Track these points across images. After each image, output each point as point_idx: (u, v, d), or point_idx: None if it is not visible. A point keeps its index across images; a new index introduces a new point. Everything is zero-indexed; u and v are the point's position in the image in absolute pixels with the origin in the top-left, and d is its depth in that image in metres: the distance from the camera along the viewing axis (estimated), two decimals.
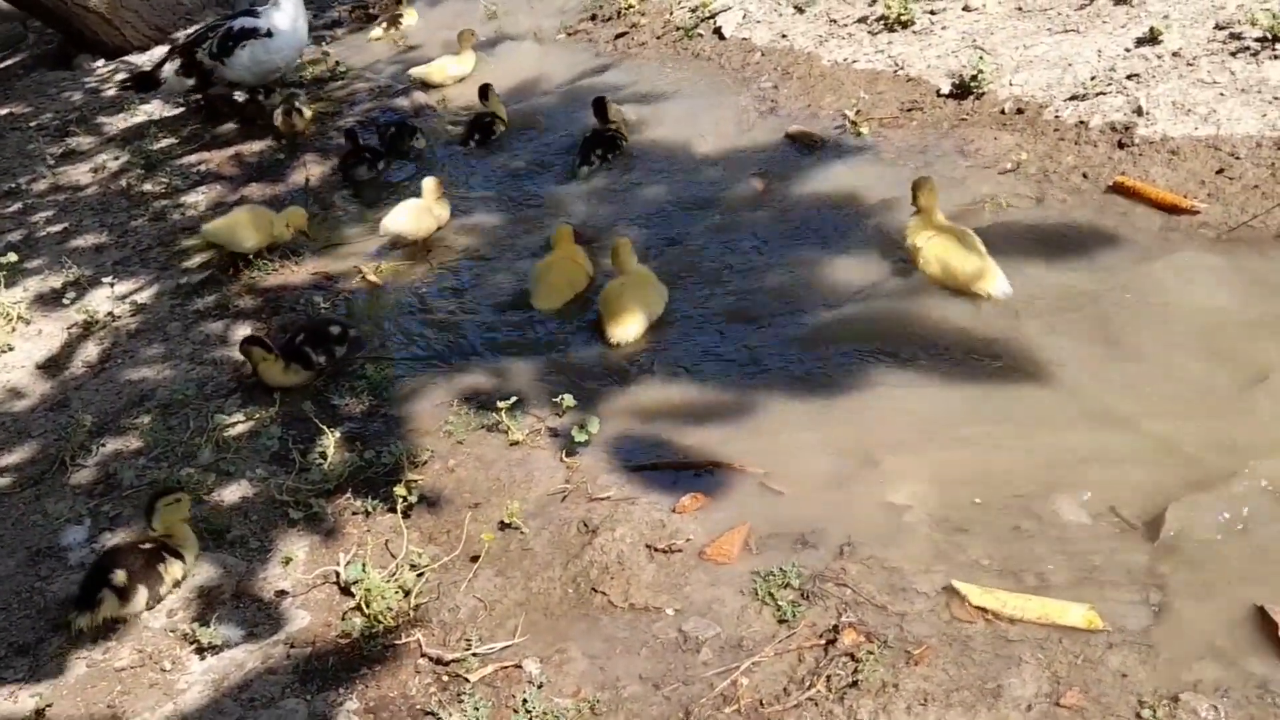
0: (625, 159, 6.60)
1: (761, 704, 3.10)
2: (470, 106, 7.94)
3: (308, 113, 7.80)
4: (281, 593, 3.88)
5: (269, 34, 7.85)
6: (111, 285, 6.07)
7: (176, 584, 3.94)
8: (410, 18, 10.06)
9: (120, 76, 9.84)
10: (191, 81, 8.05)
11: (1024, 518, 3.52)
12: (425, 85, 8.36)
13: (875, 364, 4.40)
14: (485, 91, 7.40)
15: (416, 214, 6.01)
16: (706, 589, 3.50)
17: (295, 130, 7.74)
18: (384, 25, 10.07)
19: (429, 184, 6.11)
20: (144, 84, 8.24)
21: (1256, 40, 5.44)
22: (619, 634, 3.42)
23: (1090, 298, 4.47)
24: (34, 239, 6.96)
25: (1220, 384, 3.89)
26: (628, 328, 4.86)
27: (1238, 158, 4.92)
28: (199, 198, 7.19)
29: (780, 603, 3.37)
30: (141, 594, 3.84)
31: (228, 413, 4.84)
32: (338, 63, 9.14)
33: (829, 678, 3.11)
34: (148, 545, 3.93)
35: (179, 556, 3.95)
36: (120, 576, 3.79)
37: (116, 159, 8.02)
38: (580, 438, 4.22)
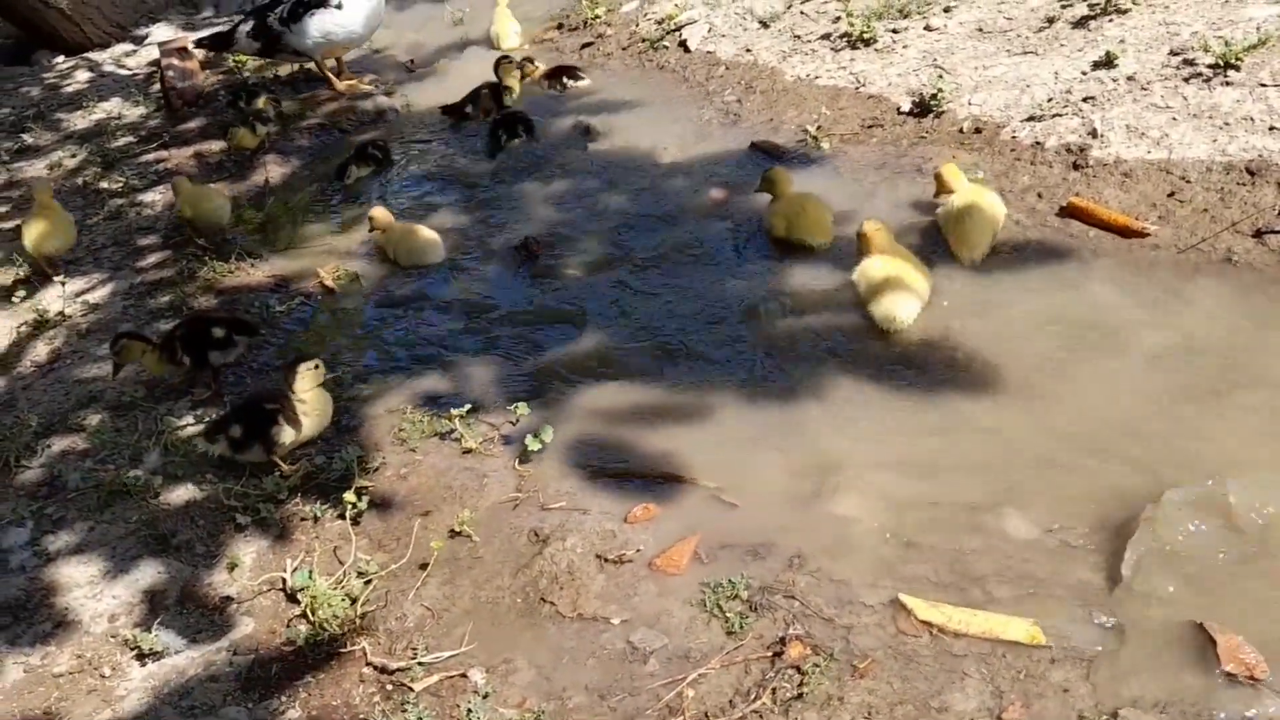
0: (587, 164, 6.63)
1: (707, 715, 3.09)
2: (432, 110, 7.94)
3: (261, 129, 7.68)
4: (227, 599, 3.83)
5: (338, 6, 7.89)
6: (63, 284, 5.98)
7: (291, 449, 4.37)
8: None
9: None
10: (259, 45, 8.15)
11: (971, 532, 3.55)
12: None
13: (829, 377, 4.42)
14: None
15: None
16: (655, 600, 3.50)
17: (245, 147, 7.61)
18: None
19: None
20: (219, 44, 8.40)
21: (1209, 67, 5.54)
22: (566, 644, 3.41)
23: (1041, 316, 4.51)
24: None
25: (1166, 404, 3.94)
26: (903, 308, 4.59)
27: (1188, 181, 5.00)
28: (157, 197, 7.11)
29: (728, 614, 3.37)
30: (256, 449, 4.29)
31: (177, 415, 4.78)
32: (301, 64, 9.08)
33: (775, 690, 3.11)
34: (271, 406, 4.28)
35: (294, 424, 4.29)
36: (237, 430, 4.29)
37: (74, 156, 7.93)
38: (534, 446, 4.20)
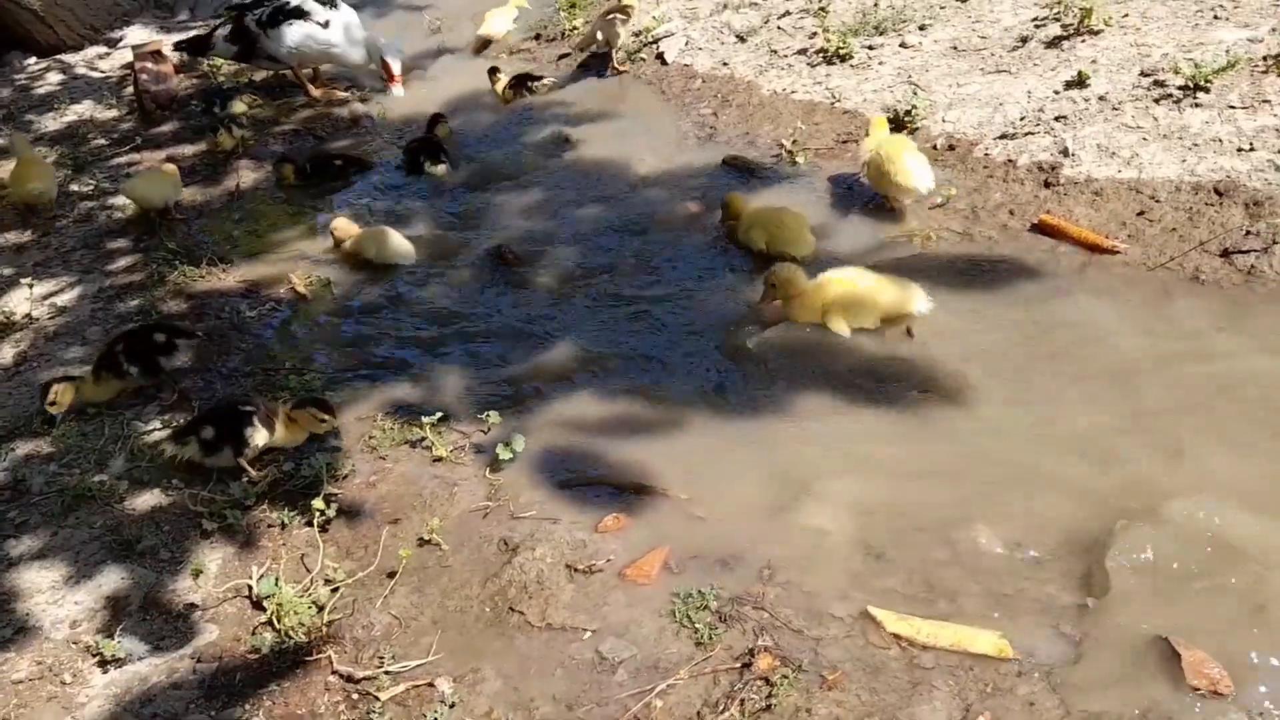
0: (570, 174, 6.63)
1: None
2: (412, 119, 7.93)
3: (237, 132, 7.64)
4: (191, 606, 3.78)
5: (325, 25, 7.86)
6: (31, 286, 5.90)
7: (260, 452, 4.33)
8: None
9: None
10: (236, 49, 8.11)
11: (940, 545, 3.56)
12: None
13: (800, 389, 4.43)
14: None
15: None
16: (625, 610, 3.48)
17: (222, 148, 7.56)
18: None
19: None
20: (197, 48, 8.39)
21: (1179, 88, 5.61)
22: (535, 654, 3.39)
23: (1012, 332, 4.55)
24: None
25: (1133, 420, 3.97)
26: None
27: (1158, 201, 5.06)
28: (127, 200, 7.03)
29: (698, 625, 3.36)
30: (227, 453, 4.25)
31: (144, 420, 4.72)
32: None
33: (743, 701, 3.10)
34: (246, 408, 4.26)
35: (269, 428, 4.28)
36: (209, 432, 4.25)
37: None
38: (505, 455, 4.18)
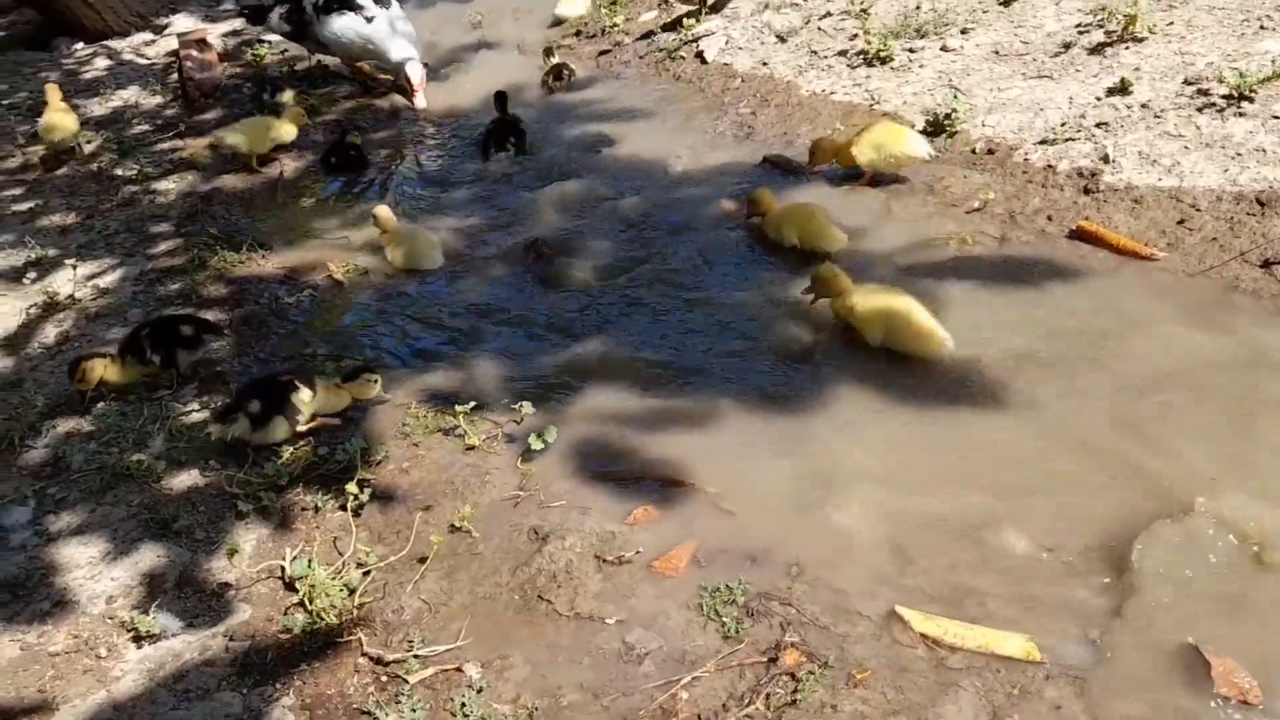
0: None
1: (700, 718, 3.10)
2: (451, 112, 8.00)
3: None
4: (225, 585, 3.83)
5: (370, 20, 8.05)
6: (74, 267, 6.00)
7: (310, 416, 4.47)
8: None
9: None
10: (289, 28, 8.40)
11: (969, 546, 3.56)
12: None
13: (833, 388, 4.43)
14: None
15: None
16: (652, 601, 3.50)
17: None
18: None
19: None
20: (255, 16, 8.67)
21: (1223, 97, 5.56)
22: (562, 642, 3.42)
23: (1047, 337, 4.53)
24: None
25: (1168, 425, 3.94)
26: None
27: (1199, 210, 5.02)
28: (170, 185, 7.14)
29: (725, 619, 3.38)
30: (280, 424, 4.38)
31: (183, 401, 4.79)
32: (319, 60, 9.13)
33: (769, 695, 3.12)
34: (285, 379, 4.38)
35: (309, 385, 4.41)
36: (256, 406, 4.34)
37: (89, 142, 7.95)
38: (537, 445, 4.22)
